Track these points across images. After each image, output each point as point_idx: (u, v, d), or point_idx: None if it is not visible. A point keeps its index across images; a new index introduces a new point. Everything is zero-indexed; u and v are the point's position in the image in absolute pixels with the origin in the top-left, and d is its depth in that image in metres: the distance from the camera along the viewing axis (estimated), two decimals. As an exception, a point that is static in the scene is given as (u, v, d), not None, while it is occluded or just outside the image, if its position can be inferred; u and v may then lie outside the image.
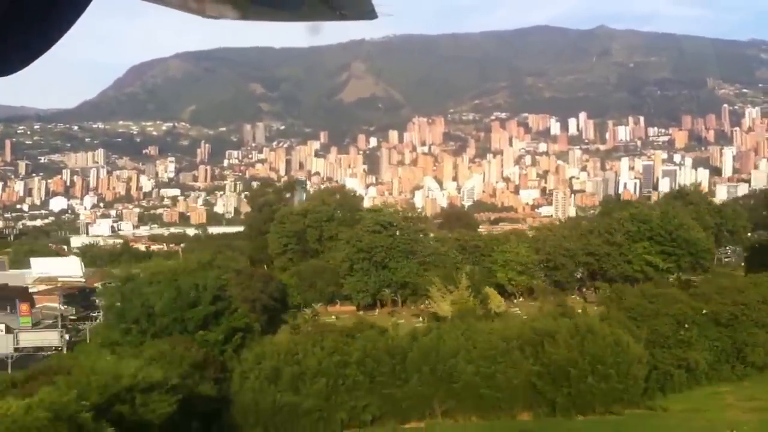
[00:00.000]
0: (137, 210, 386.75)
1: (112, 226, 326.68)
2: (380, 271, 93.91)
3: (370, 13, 2.14)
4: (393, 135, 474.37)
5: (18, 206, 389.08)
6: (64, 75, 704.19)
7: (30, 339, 68.60)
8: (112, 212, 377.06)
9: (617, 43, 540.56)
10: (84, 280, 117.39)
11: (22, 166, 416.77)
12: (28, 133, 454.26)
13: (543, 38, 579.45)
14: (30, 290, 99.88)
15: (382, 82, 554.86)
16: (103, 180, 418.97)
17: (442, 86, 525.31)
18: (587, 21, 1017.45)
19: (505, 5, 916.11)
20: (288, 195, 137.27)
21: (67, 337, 71.81)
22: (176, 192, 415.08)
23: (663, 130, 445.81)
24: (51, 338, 70.10)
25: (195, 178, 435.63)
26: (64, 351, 67.63)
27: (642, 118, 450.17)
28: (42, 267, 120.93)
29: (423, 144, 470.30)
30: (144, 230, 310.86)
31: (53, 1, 1.99)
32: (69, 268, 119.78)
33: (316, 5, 2.03)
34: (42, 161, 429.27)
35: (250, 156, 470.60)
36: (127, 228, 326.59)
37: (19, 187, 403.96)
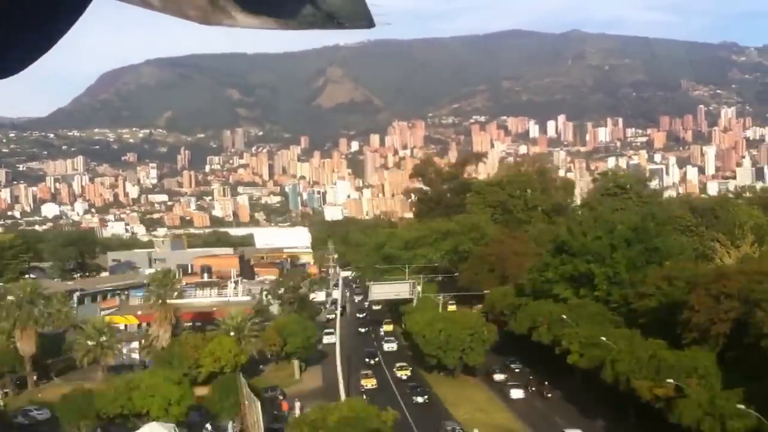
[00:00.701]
0: (134, 215, 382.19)
1: (126, 230, 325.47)
2: None
3: (368, 22, 2.11)
4: (374, 139, 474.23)
5: (9, 213, 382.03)
6: (34, 83, 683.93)
7: (381, 291, 69.98)
8: (110, 217, 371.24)
9: (591, 47, 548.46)
10: (311, 251, 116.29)
11: (1, 174, 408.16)
12: (4, 141, 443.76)
13: (517, 42, 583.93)
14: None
15: (360, 86, 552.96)
16: (88, 186, 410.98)
17: (420, 90, 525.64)
18: (556, 25, 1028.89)
19: (472, 11, 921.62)
20: (471, 167, 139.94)
21: (419, 288, 73.20)
22: (164, 198, 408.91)
23: (641, 131, 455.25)
24: (401, 290, 72.45)
25: (179, 184, 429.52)
26: (414, 303, 70.59)
27: (620, 120, 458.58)
28: (267, 238, 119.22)
29: (405, 147, 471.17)
30: (162, 232, 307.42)
31: (54, 1, 1.96)
32: (297, 239, 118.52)
33: (314, 13, 2.01)
34: (21, 169, 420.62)
35: (231, 161, 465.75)
36: (140, 231, 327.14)
37: (5, 194, 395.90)
